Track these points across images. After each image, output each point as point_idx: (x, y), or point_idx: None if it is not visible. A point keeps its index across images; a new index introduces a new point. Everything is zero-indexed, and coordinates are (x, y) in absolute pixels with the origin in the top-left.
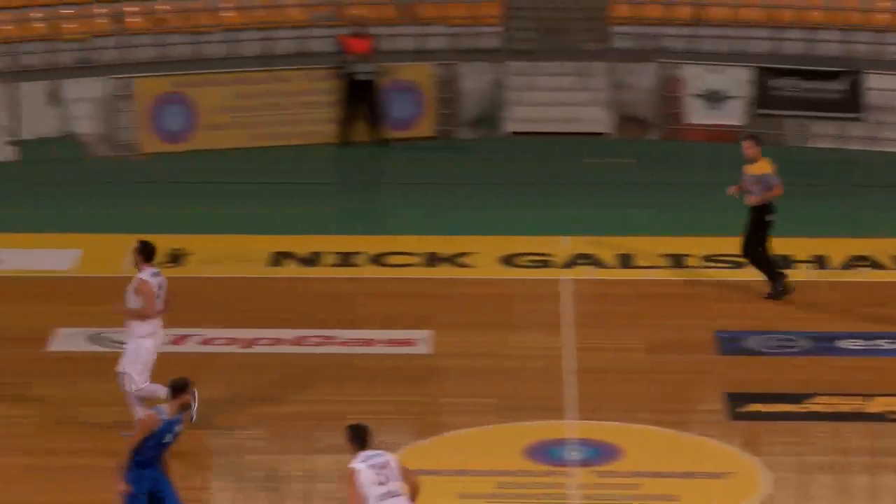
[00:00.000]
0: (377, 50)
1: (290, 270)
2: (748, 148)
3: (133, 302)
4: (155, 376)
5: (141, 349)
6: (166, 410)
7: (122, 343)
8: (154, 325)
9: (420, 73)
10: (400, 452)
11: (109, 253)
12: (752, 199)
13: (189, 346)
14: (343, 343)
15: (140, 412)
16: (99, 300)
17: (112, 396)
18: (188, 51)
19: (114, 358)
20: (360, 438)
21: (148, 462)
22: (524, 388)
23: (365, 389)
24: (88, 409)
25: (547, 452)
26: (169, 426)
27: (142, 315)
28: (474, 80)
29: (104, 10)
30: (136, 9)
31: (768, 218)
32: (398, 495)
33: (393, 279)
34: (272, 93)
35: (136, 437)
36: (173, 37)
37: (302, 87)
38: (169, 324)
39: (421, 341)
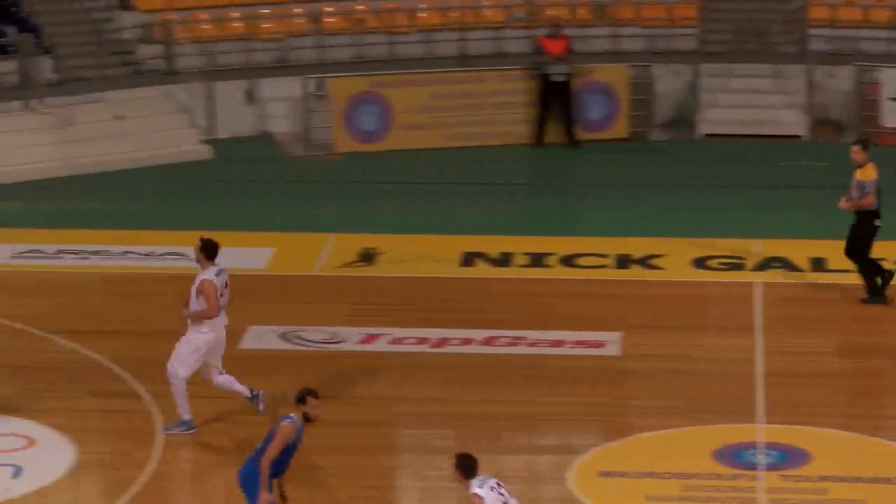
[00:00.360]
0: (572, 51)
1: (481, 271)
2: (856, 153)
3: (196, 303)
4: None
5: (192, 346)
6: (297, 419)
7: (311, 342)
8: (213, 324)
9: (615, 75)
10: (589, 454)
11: (303, 252)
12: (843, 204)
13: (378, 346)
14: (533, 344)
15: (182, 406)
16: (291, 298)
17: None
18: (384, 51)
19: (304, 356)
20: (469, 468)
21: (279, 471)
22: (713, 390)
23: (554, 390)
24: (277, 408)
25: (735, 456)
26: (300, 435)
27: (204, 316)
28: (669, 81)
29: (301, 11)
30: (333, 9)
31: (876, 223)
32: None
33: (584, 280)
34: (467, 93)
35: (276, 448)
36: (370, 37)
37: (497, 88)
38: (358, 322)
39: (611, 343)
